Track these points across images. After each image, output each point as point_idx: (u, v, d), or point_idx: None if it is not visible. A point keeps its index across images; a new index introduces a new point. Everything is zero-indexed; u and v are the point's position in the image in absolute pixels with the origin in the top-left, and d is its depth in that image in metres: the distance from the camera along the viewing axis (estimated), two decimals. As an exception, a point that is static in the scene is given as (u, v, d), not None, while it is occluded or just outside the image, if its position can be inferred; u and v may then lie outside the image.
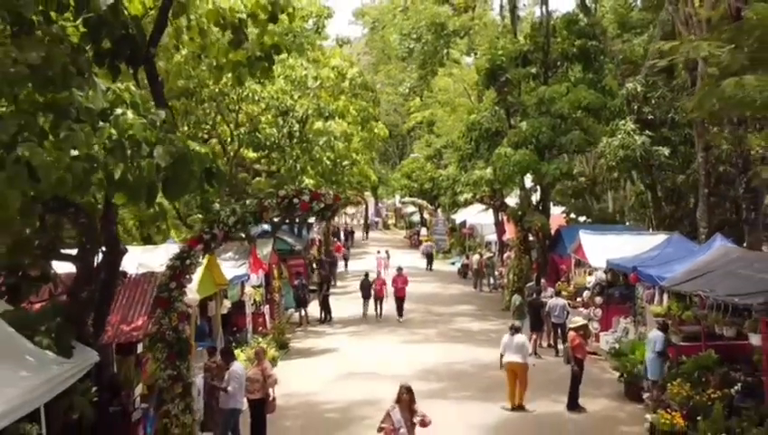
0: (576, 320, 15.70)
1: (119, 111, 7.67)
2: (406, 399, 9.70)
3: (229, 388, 10.90)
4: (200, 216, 18.99)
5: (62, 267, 10.20)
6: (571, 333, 14.76)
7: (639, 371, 14.42)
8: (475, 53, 33.82)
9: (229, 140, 21.06)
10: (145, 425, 10.59)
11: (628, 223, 27.00)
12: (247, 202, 10.09)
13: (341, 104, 22.21)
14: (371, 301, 25.07)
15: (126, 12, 8.66)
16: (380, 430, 9.61)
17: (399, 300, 24.77)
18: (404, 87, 47.38)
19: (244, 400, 11.34)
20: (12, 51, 7.27)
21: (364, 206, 73.00)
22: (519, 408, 13.99)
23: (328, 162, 22.88)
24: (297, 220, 25.11)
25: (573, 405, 13.94)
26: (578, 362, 14.11)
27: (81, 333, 9.07)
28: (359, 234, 60.95)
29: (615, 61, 26.36)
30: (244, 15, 9.60)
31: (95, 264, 9.24)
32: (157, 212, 10.94)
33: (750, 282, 11.90)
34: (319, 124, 21.50)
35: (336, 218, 49.60)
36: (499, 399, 14.30)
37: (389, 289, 25.22)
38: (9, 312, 8.75)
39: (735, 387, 11.92)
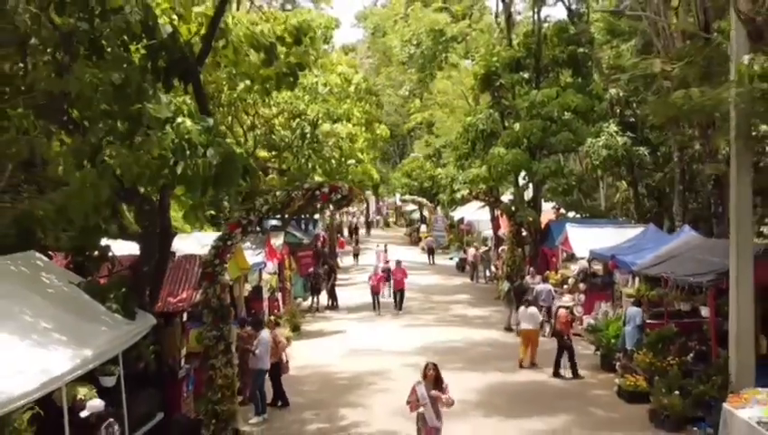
0: (566, 300, 18.05)
1: (179, 119, 9.59)
2: (431, 375, 10.13)
3: (257, 351, 12.92)
4: (212, 212, 21.09)
5: (117, 249, 12.19)
6: (561, 311, 16.99)
7: (613, 344, 16.39)
8: (472, 58, 35.62)
9: (243, 140, 22.97)
10: (187, 382, 12.54)
11: (614, 218, 28.87)
12: (277, 193, 12.09)
13: (347, 107, 24.13)
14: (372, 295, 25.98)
15: (181, 37, 10.61)
16: (408, 403, 10.15)
17: (399, 292, 25.67)
18: (404, 89, 49.30)
19: (269, 361, 13.32)
20: (98, 73, 9.22)
21: (365, 204, 74.98)
22: (532, 365, 16.86)
23: (333, 161, 24.79)
24: (308, 215, 26.96)
25: (556, 373, 15.97)
26: (560, 335, 16.17)
27: (141, 301, 11.02)
28: (362, 231, 62.83)
29: (600, 67, 28.16)
30: (274, 39, 11.53)
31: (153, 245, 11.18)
32: (197, 204, 12.95)
33: (704, 264, 13.87)
34: (327, 126, 23.40)
35: (338, 217, 51.44)
36: (489, 369, 16.28)
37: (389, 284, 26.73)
38: (84, 282, 10.70)
39: (691, 354, 13.88)
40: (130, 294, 10.73)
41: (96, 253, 11.96)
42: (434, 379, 10.10)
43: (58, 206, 10.15)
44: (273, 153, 23.58)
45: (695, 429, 12.11)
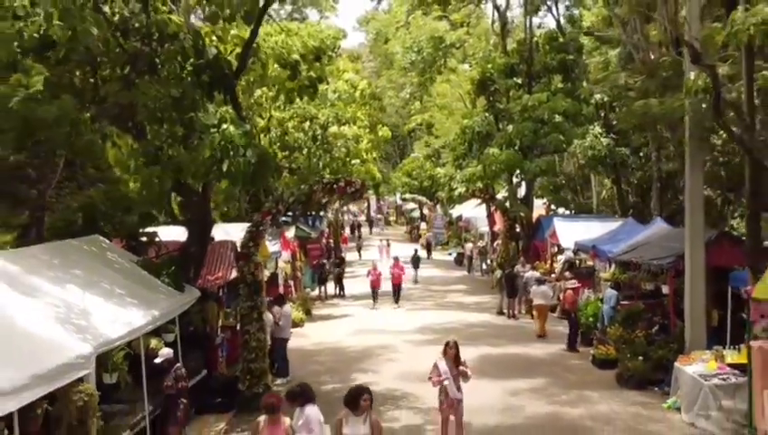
0: (572, 282, 20.44)
1: (224, 125, 11.73)
2: (451, 353, 10.67)
3: (280, 322, 15.08)
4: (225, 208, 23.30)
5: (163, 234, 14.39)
6: (569, 292, 19.21)
7: (591, 322, 18.53)
8: (470, 63, 37.73)
9: (257, 141, 25.15)
10: (222, 349, 14.70)
11: (599, 213, 30.99)
12: (301, 187, 14.22)
13: (352, 111, 26.27)
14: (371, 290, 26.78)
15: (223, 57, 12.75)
16: (429, 378, 10.72)
17: (396, 287, 26.36)
18: (405, 92, 51.42)
19: (291, 331, 15.47)
20: (160, 88, 11.36)
21: (366, 203, 77.14)
22: (543, 336, 19.45)
23: (339, 161, 26.97)
24: (314, 212, 29.03)
25: (572, 347, 18.01)
26: (568, 313, 18.35)
27: (187, 277, 13.15)
28: (365, 230, 64.96)
29: (587, 73, 30.25)
30: (297, 56, 13.67)
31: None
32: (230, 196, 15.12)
33: (665, 250, 16.03)
34: (335, 129, 25.57)
35: (340, 215, 53.58)
36: (480, 344, 18.36)
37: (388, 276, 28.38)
38: (141, 260, 12.85)
39: (655, 328, 16.02)
40: (179, 271, 12.85)
41: (145, 238, 14.16)
42: (454, 355, 10.65)
43: (120, 196, 12.34)
44: (286, 153, 25.72)
45: (655, 389, 14.22)
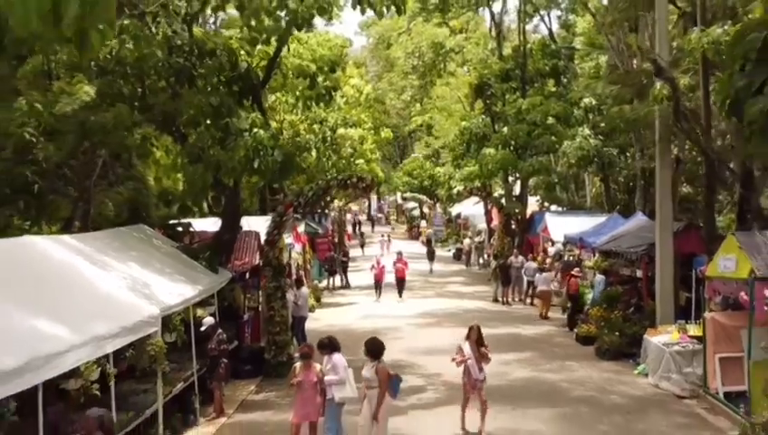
0: (576, 270, 22.33)
1: (255, 129, 13.70)
2: (474, 336, 11.41)
3: (299, 302, 17.06)
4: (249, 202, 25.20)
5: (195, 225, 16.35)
6: (573, 279, 21.10)
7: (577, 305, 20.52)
8: (468, 69, 39.74)
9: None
10: (247, 325, 16.66)
11: (588, 209, 32.97)
12: (319, 182, 16.20)
13: (356, 113, 28.24)
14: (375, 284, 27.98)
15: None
16: (453, 359, 11.47)
17: (400, 281, 27.22)
18: (406, 95, 53.45)
19: (308, 311, 17.44)
20: (202, 97, 13.33)
21: (367, 202, 79.18)
22: (546, 317, 21.60)
23: (344, 160, 28.96)
24: (320, 210, 31.07)
25: (573, 324, 19.93)
26: (573, 297, 20.27)
27: (219, 261, 15.11)
28: (367, 228, 66.97)
29: (578, 77, 32.21)
30: (314, 68, 15.65)
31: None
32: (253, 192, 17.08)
33: (640, 239, 18.03)
34: (342, 130, 27.55)
35: (343, 214, 55.61)
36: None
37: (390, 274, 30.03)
38: (180, 246, 14.80)
39: (631, 308, 18.00)
40: (213, 256, 14.82)
41: (180, 228, 16.15)
42: (476, 338, 11.38)
43: (161, 191, 14.32)
44: (297, 153, 27.70)
45: (630, 361, 16.18)
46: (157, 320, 10.17)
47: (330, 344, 10.08)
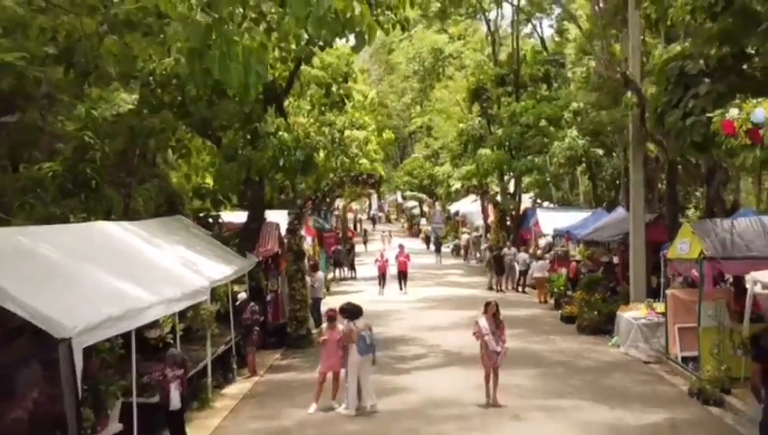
0: (575, 256, 24.45)
1: (280, 132, 15.91)
2: (491, 311, 12.11)
3: (315, 285, 19.28)
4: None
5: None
6: (573, 263, 23.18)
7: (561, 290, 22.74)
8: (465, 74, 41.92)
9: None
10: (269, 305, 18.84)
11: (577, 205, 35.22)
12: (334, 178, 18.42)
13: (359, 116, 30.38)
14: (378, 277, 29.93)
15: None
16: (474, 334, 12.24)
17: (402, 274, 28.54)
18: (407, 97, 55.72)
19: (323, 292, 19.65)
20: (236, 105, 15.53)
21: (368, 202, 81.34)
22: (545, 302, 23.59)
23: (349, 160, 31.13)
24: (326, 207, 33.27)
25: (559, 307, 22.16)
26: (573, 281, 22.48)
27: (247, 247, 17.32)
28: (368, 226, 69.21)
29: (568, 83, 34.44)
30: (330, 79, 17.87)
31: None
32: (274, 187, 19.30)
33: (617, 229, 20.27)
34: (348, 132, 29.69)
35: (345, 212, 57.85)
36: (471, 309, 22.39)
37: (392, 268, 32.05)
38: (214, 233, 16.99)
39: (608, 292, 20.22)
40: (242, 242, 17.03)
41: (211, 219, 18.36)
42: (493, 313, 12.11)
43: (197, 186, 16.54)
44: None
45: (606, 336, 18.38)
46: (207, 290, 12.38)
47: (351, 310, 12.26)
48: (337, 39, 17.20)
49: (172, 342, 10.92)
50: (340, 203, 45.70)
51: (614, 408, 11.96)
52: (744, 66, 8.90)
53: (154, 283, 10.97)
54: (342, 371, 12.19)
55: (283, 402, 12.72)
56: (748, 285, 13.33)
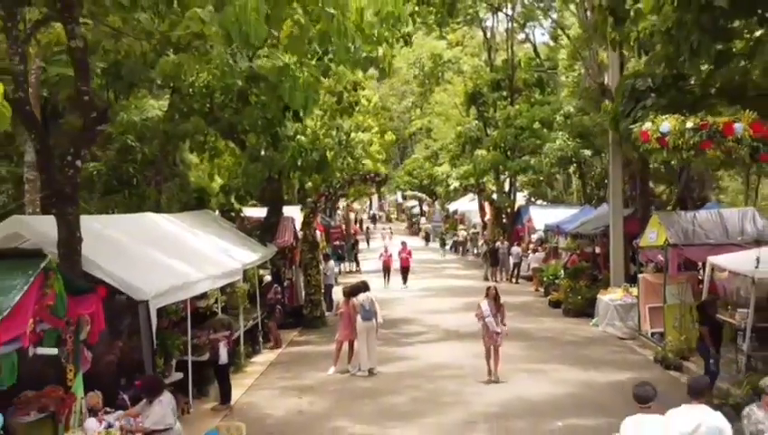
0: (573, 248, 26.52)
1: (297, 136, 18.00)
2: (492, 293, 13.40)
3: (327, 273, 21.38)
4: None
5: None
6: (574, 257, 25.17)
7: (550, 279, 24.86)
8: (464, 81, 43.91)
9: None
10: (286, 291, 20.95)
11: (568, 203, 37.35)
12: (344, 177, 20.56)
13: (362, 120, 32.48)
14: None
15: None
16: (476, 315, 13.46)
17: (405, 269, 29.54)
18: (408, 101, 57.82)
19: (334, 279, 21.76)
20: (259, 111, 17.62)
21: (368, 202, 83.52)
22: (538, 291, 25.49)
23: (353, 161, 33.25)
24: (331, 206, 35.37)
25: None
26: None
27: (267, 238, 19.42)
28: (371, 225, 71.39)
29: (561, 87, 36.57)
30: (341, 88, 19.96)
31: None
32: (290, 185, 21.38)
33: (599, 222, 22.39)
34: (354, 135, 31.80)
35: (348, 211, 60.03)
36: (467, 296, 24.61)
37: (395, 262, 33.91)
38: (237, 225, 19.10)
39: (593, 279, 22.33)
40: (263, 234, 19.12)
41: (233, 213, 20.48)
42: (494, 296, 13.38)
43: (222, 184, 18.64)
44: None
45: (588, 319, 20.47)
46: (239, 271, 14.49)
47: (350, 290, 14.48)
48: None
49: (217, 311, 13.03)
50: (341, 203, 47.96)
51: (588, 370, 14.08)
52: (681, 84, 10.93)
53: (198, 263, 13.09)
54: (356, 341, 14.31)
55: (304, 368, 14.82)
56: (706, 268, 15.53)
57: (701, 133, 8.64)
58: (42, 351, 7.41)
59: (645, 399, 6.31)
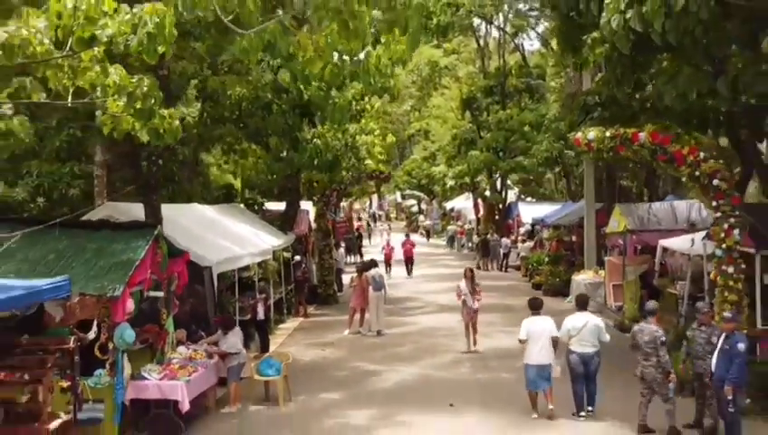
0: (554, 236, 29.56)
1: (314, 139, 21.08)
2: (469, 275, 15.38)
3: (337, 258, 24.49)
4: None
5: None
6: (554, 243, 28.22)
7: (534, 266, 27.99)
8: (460, 88, 47.06)
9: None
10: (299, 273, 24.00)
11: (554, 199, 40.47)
12: (353, 175, 23.67)
13: (367, 122, 35.58)
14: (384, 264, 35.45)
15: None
16: (456, 294, 15.51)
17: (409, 260, 32.10)
18: (407, 104, 60.95)
19: (344, 265, 24.86)
20: (281, 118, 20.72)
21: (369, 201, 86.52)
22: (526, 276, 28.35)
23: (356, 161, 36.36)
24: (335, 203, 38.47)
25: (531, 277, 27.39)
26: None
27: (287, 227, 22.51)
28: (371, 222, 74.54)
29: (547, 94, 39.69)
30: (350, 97, 23.05)
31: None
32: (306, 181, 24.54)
33: (578, 215, 25.52)
34: (358, 138, 34.88)
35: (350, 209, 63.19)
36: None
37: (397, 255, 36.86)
38: (260, 216, 22.19)
39: (571, 264, 25.45)
40: (283, 224, 22.22)
41: (256, 206, 23.59)
42: (470, 277, 15.28)
43: (246, 181, 21.75)
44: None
45: (564, 298, 23.55)
46: (270, 251, 17.60)
47: (362, 266, 17.62)
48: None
49: (256, 281, 16.15)
50: (342, 203, 51.16)
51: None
52: (621, 100, 13.91)
53: (240, 242, 16.23)
54: (367, 310, 17.44)
55: (324, 331, 17.98)
56: (658, 249, 18.68)
57: (616, 140, 11.70)
58: (152, 293, 10.50)
59: (536, 306, 9.78)
